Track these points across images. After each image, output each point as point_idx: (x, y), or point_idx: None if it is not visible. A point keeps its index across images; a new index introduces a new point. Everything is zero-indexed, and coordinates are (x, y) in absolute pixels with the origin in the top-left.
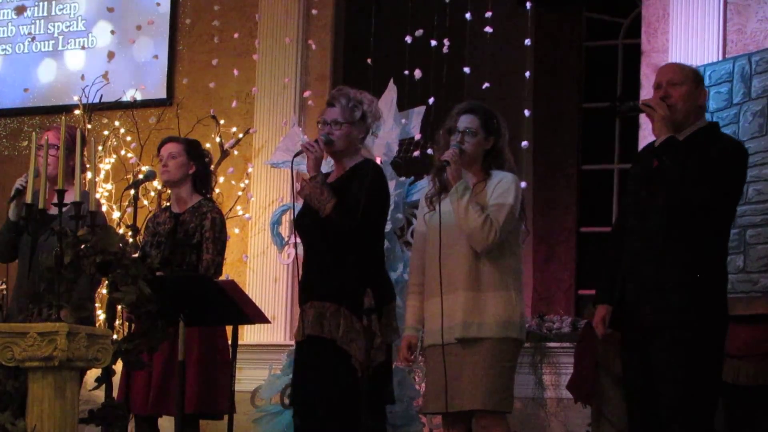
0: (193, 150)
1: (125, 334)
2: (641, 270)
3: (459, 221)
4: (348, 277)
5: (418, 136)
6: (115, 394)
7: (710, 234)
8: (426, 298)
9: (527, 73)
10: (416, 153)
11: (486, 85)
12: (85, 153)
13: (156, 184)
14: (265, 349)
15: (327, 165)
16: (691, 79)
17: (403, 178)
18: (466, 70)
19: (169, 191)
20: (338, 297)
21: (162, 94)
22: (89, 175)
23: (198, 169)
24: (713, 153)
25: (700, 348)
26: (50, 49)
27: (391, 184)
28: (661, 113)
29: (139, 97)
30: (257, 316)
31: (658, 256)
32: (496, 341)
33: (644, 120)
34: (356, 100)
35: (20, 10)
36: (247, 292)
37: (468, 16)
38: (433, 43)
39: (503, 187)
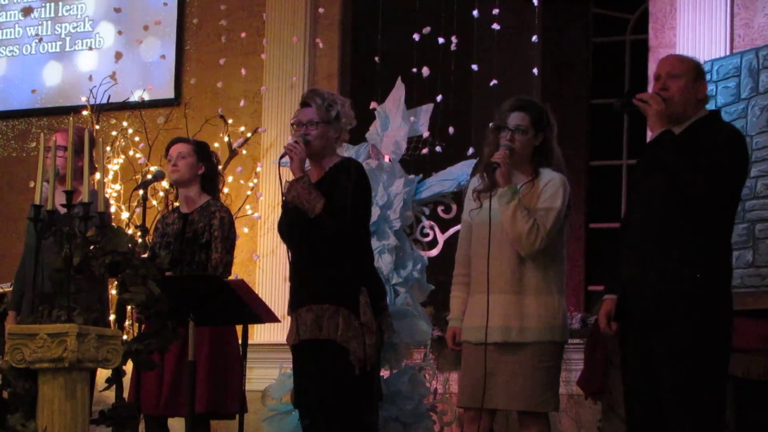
0: (202, 151)
1: (135, 334)
2: (641, 262)
3: (505, 225)
4: (343, 278)
5: (426, 134)
6: (125, 394)
7: (711, 224)
8: (471, 294)
9: (535, 70)
10: (424, 151)
11: (494, 82)
12: (95, 154)
13: (165, 184)
14: (275, 348)
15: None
16: (690, 71)
17: (411, 176)
18: (474, 67)
19: (176, 191)
20: (336, 298)
21: (170, 94)
22: (98, 175)
23: (207, 170)
24: (709, 141)
25: (702, 342)
26: (57, 50)
27: (400, 182)
28: (655, 107)
29: (146, 97)
30: (267, 316)
31: (657, 248)
32: (538, 345)
33: None
34: (330, 99)
35: (27, 11)
36: (257, 292)
37: (475, 13)
38: (441, 40)
39: (551, 190)
